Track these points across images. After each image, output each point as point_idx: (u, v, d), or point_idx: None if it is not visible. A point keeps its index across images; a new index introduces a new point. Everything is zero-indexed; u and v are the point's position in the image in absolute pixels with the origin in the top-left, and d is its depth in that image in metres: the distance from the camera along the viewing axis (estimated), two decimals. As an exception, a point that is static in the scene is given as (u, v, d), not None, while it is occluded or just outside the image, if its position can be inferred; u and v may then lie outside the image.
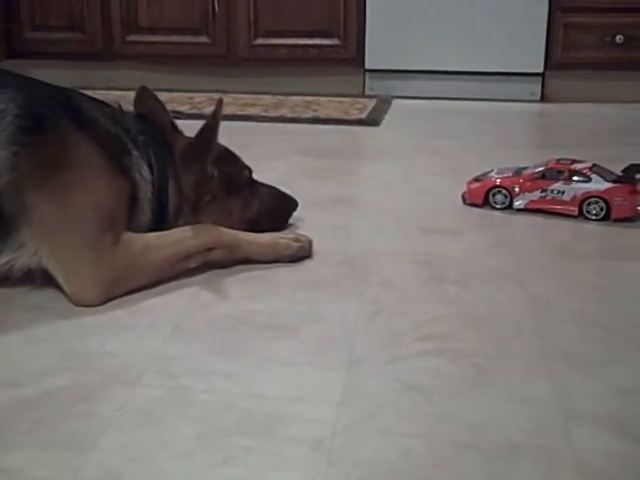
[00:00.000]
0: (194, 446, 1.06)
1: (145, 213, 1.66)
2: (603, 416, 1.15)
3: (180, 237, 1.64)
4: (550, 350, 1.34)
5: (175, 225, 1.70)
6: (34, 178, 1.49)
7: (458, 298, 1.57)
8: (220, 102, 1.69)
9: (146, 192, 1.66)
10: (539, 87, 4.00)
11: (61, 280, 1.52)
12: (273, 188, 1.93)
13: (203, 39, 4.28)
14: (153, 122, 1.76)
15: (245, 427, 1.11)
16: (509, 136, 3.26)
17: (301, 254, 1.75)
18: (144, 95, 1.82)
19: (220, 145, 1.80)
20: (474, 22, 3.96)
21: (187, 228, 1.67)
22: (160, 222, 1.69)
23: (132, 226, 1.62)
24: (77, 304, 1.51)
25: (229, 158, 1.83)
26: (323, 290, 1.60)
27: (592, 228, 2.02)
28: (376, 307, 1.52)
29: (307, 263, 1.74)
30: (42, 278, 1.54)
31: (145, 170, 1.66)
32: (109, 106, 1.71)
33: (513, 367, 1.29)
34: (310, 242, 1.78)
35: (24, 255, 1.51)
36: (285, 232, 1.82)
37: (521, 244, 1.90)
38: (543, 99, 4.01)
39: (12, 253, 1.50)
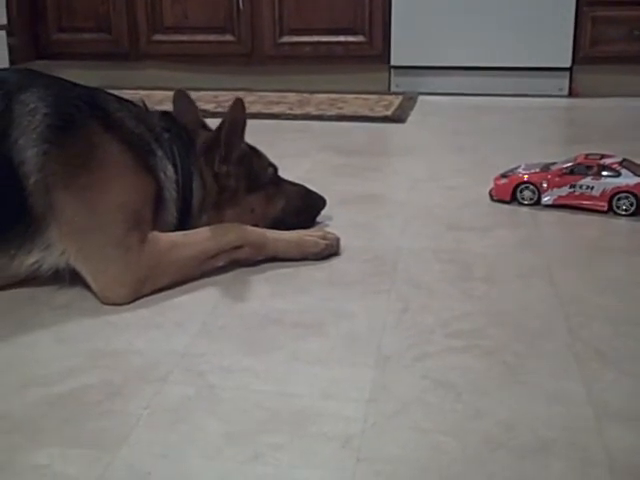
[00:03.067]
0: (223, 444, 1.06)
1: (170, 212, 1.67)
2: (635, 413, 1.13)
3: (207, 236, 1.64)
4: (580, 347, 1.33)
5: (199, 222, 1.70)
6: (62, 177, 1.50)
7: (486, 295, 1.56)
8: (234, 102, 1.69)
9: (171, 191, 1.66)
10: (567, 82, 3.97)
11: (89, 279, 1.53)
12: (300, 186, 1.93)
13: (228, 38, 4.29)
14: (177, 120, 1.77)
15: (274, 425, 1.10)
16: (536, 132, 3.24)
17: (328, 252, 1.74)
18: (179, 95, 1.84)
19: (244, 143, 1.80)
20: (500, 17, 3.93)
21: (214, 227, 1.67)
22: (185, 219, 1.69)
23: (158, 225, 1.63)
24: (105, 303, 1.51)
25: (252, 155, 1.83)
26: (350, 287, 1.60)
27: (622, 224, 2.00)
28: (404, 304, 1.51)
29: (334, 260, 1.73)
30: (70, 277, 1.55)
31: (169, 169, 1.66)
32: (134, 105, 1.71)
33: (543, 364, 1.28)
34: (337, 240, 1.77)
35: (52, 254, 1.52)
36: (312, 230, 1.82)
37: (549, 240, 1.89)
38: (571, 94, 3.98)
39: (41, 252, 1.51)
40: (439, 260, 1.75)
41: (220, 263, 1.65)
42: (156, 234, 1.58)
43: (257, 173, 1.80)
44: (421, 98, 3.96)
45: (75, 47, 4.44)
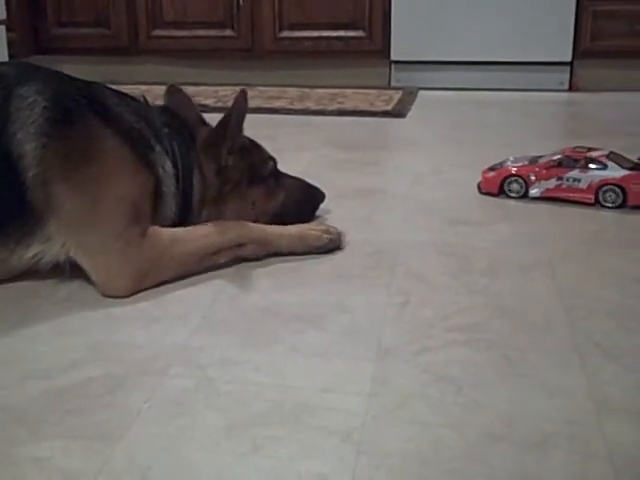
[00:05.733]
0: (223, 436, 1.06)
1: (170, 207, 1.67)
2: (636, 407, 1.13)
3: (209, 232, 1.64)
4: (582, 341, 1.33)
5: (200, 217, 1.70)
6: (61, 170, 1.50)
7: (487, 289, 1.56)
8: (240, 93, 1.70)
9: (169, 186, 1.66)
10: (567, 76, 3.97)
11: (89, 272, 1.53)
12: (299, 180, 1.93)
13: (228, 32, 4.29)
14: (178, 115, 1.77)
15: (274, 417, 1.10)
16: (537, 126, 3.24)
17: (331, 246, 1.74)
18: (172, 91, 1.84)
19: (244, 136, 1.80)
20: (501, 11, 3.93)
21: (216, 223, 1.67)
22: (185, 215, 1.69)
23: (158, 220, 1.63)
24: (106, 295, 1.51)
25: (252, 149, 1.83)
26: (351, 281, 1.59)
27: (621, 217, 1.99)
28: (404, 298, 1.51)
29: (335, 254, 1.73)
30: (70, 270, 1.55)
31: (168, 165, 1.66)
32: (134, 100, 1.71)
33: (544, 358, 1.28)
34: (340, 234, 1.77)
35: (52, 248, 1.52)
36: (315, 224, 1.81)
37: (550, 234, 1.88)
38: (571, 88, 3.97)
39: (40, 246, 1.51)
40: (440, 254, 1.74)
41: (223, 260, 1.65)
42: (156, 229, 1.58)
43: (258, 166, 1.80)
44: (421, 93, 3.95)
45: (75, 42, 4.43)
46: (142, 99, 1.74)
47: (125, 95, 1.71)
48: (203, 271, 1.62)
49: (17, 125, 1.49)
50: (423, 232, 1.90)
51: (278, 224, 1.75)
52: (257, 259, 1.68)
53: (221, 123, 1.73)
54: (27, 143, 1.48)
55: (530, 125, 3.24)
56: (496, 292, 1.54)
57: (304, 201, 1.92)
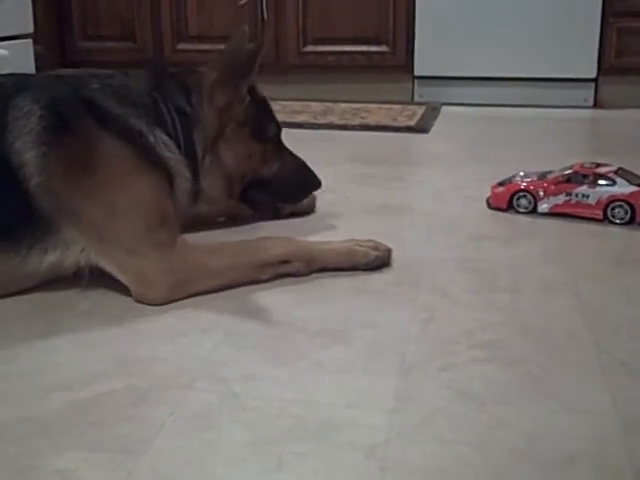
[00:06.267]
0: (247, 452, 1.06)
1: (182, 174, 1.68)
2: (662, 427, 1.12)
3: (252, 247, 1.64)
4: (606, 359, 1.32)
5: (203, 165, 1.71)
6: (66, 178, 1.51)
7: (510, 306, 1.55)
8: (265, 28, 1.72)
9: (174, 153, 1.66)
10: (592, 93, 3.95)
11: (124, 278, 1.53)
12: (300, 159, 1.92)
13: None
14: (167, 69, 1.79)
15: (298, 433, 1.10)
16: (561, 143, 3.22)
17: (379, 262, 1.72)
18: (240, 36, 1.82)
19: (261, 91, 1.83)
20: (525, 27, 3.92)
21: (261, 239, 1.68)
22: (196, 168, 1.71)
23: (179, 194, 1.66)
24: (140, 301, 1.52)
25: (264, 102, 1.85)
26: (374, 297, 1.59)
27: (632, 234, 1.98)
28: (428, 314, 1.50)
29: (358, 270, 1.72)
30: (90, 277, 1.56)
31: (164, 138, 1.65)
32: (116, 79, 1.71)
33: (568, 376, 1.27)
34: (389, 250, 1.75)
35: (72, 252, 1.53)
36: (364, 240, 1.75)
37: (573, 252, 1.87)
38: (596, 105, 3.96)
39: (58, 250, 1.52)
40: (463, 270, 1.74)
41: (266, 276, 1.63)
42: (189, 243, 1.60)
43: (264, 122, 1.82)
44: (444, 108, 3.95)
45: (100, 55, 4.47)
46: (122, 74, 1.74)
47: (108, 77, 1.71)
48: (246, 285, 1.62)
49: (14, 135, 1.50)
50: (446, 248, 1.90)
51: (265, 196, 1.73)
52: (302, 275, 1.67)
53: (249, 57, 1.74)
54: (26, 152, 1.49)
55: (554, 142, 3.22)
56: (519, 309, 1.53)
57: (298, 180, 1.91)
